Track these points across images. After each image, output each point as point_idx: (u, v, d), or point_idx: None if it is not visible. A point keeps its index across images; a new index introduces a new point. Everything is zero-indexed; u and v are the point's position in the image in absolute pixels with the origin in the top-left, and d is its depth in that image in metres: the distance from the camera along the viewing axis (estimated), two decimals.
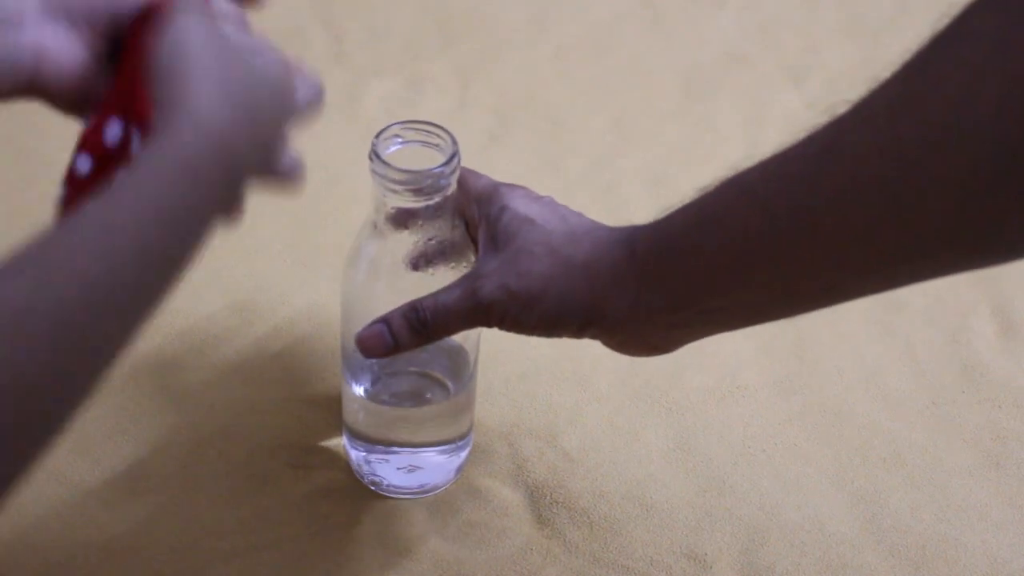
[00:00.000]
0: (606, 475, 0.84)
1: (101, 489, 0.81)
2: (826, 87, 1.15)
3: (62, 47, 0.61)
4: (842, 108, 0.60)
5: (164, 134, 0.56)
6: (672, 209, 0.68)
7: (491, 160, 1.06)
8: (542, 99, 1.12)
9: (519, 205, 0.72)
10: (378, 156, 0.72)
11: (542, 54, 1.17)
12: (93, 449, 0.83)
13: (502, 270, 0.70)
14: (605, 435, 0.87)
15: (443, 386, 0.81)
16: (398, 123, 0.74)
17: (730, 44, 1.19)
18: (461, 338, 0.79)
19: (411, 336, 0.72)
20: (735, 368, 0.92)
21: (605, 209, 1.03)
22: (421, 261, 0.75)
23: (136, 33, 0.62)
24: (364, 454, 0.81)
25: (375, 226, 0.75)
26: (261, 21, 1.21)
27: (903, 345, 0.94)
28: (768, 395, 0.90)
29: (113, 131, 0.61)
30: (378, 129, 0.74)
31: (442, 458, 0.82)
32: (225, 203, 0.58)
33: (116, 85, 0.62)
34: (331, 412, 0.86)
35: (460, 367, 0.80)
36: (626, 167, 1.07)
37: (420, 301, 0.71)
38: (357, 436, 0.81)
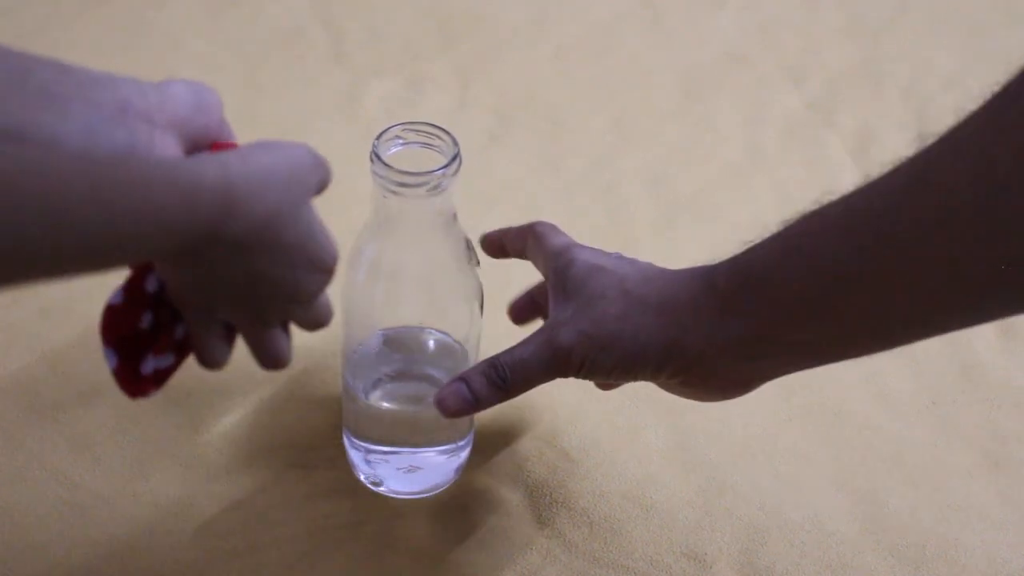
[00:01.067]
0: (606, 475, 0.84)
1: (101, 489, 0.81)
2: (826, 87, 1.15)
3: (168, 148, 0.63)
4: (930, 140, 0.60)
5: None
6: (751, 243, 0.67)
7: (491, 160, 1.06)
8: (542, 99, 1.12)
9: (587, 256, 0.72)
10: (379, 158, 0.72)
11: (542, 54, 1.17)
12: (93, 449, 0.83)
13: (577, 317, 0.70)
14: (605, 435, 0.87)
15: None
16: (399, 124, 0.74)
17: (730, 44, 1.19)
18: (462, 339, 0.79)
19: (492, 392, 0.71)
20: None
21: (605, 209, 1.03)
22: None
23: None
24: (364, 454, 0.82)
25: (375, 227, 0.75)
26: (262, 21, 1.22)
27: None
28: (768, 395, 0.90)
29: (152, 282, 0.64)
30: (378, 129, 0.74)
31: (442, 458, 0.82)
32: (209, 240, 0.58)
33: None
34: (331, 412, 0.86)
35: (461, 371, 0.80)
36: (626, 167, 1.07)
37: (498, 358, 0.71)
38: (357, 436, 0.81)
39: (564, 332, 0.69)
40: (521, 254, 0.78)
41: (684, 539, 0.81)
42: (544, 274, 0.75)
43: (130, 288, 0.64)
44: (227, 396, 0.87)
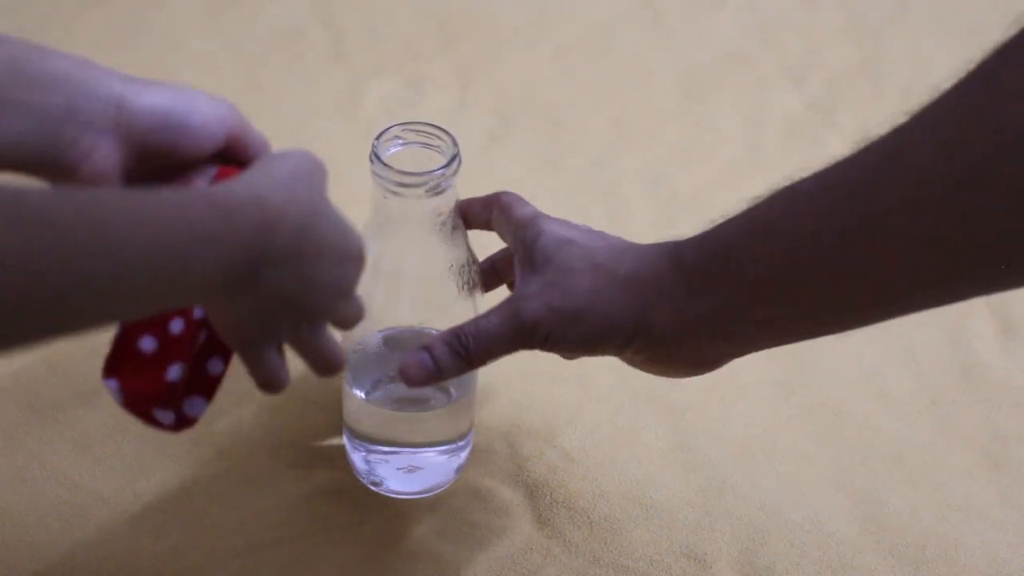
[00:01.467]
0: (606, 475, 0.84)
1: (101, 489, 0.81)
2: (826, 87, 1.15)
3: (107, 158, 0.65)
4: (902, 118, 0.59)
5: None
6: (720, 220, 0.67)
7: (491, 160, 1.06)
8: (542, 99, 1.12)
9: (556, 228, 0.72)
10: (378, 158, 0.72)
11: (542, 54, 1.17)
12: (93, 449, 0.83)
13: (544, 290, 0.69)
14: (605, 435, 0.87)
15: (444, 390, 0.80)
16: (398, 124, 0.74)
17: (730, 44, 1.19)
18: None
19: (454, 362, 0.71)
20: (735, 368, 0.91)
21: (605, 209, 1.03)
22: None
23: None
24: (364, 454, 0.82)
25: (375, 227, 0.75)
26: (262, 21, 1.21)
27: (903, 345, 0.94)
28: (768, 395, 0.90)
29: (176, 325, 0.65)
30: (378, 129, 0.74)
31: (442, 458, 0.82)
32: (249, 270, 0.58)
33: None
34: (331, 412, 0.86)
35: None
36: (626, 167, 1.07)
37: (462, 327, 0.71)
38: (357, 437, 0.81)
39: (531, 304, 0.69)
40: (486, 225, 0.76)
41: (684, 539, 0.81)
42: (510, 244, 0.74)
43: (155, 331, 0.65)
44: (227, 396, 0.87)
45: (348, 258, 0.64)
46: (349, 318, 0.67)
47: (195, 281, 0.55)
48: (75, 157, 0.64)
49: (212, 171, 0.69)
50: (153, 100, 0.65)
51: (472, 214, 0.77)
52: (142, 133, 0.65)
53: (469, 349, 0.70)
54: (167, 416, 0.66)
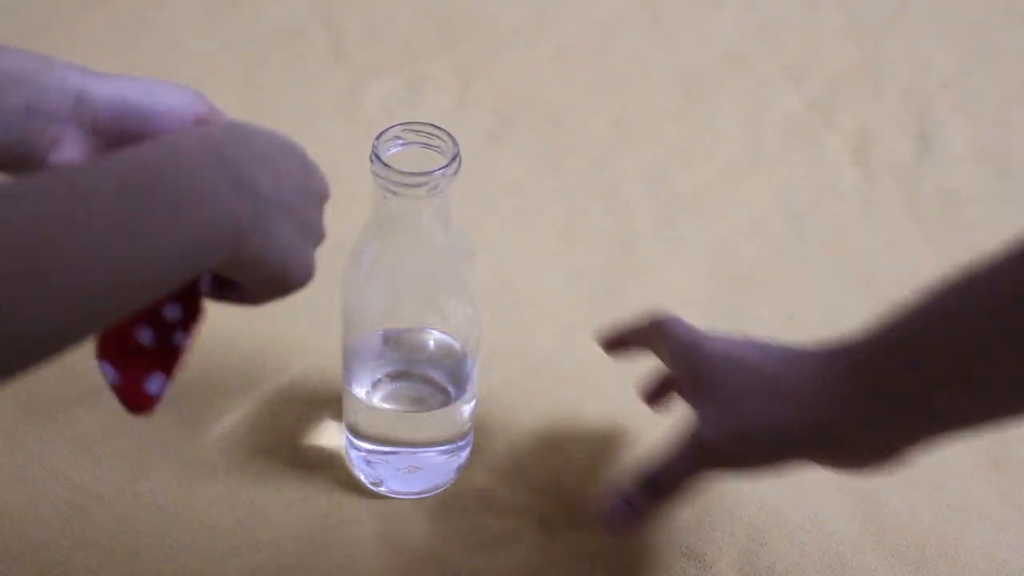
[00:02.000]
0: (606, 475, 0.84)
1: (101, 489, 0.81)
2: (826, 87, 1.15)
3: (74, 148, 0.66)
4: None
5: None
6: (887, 319, 0.67)
7: (491, 160, 1.06)
8: (542, 99, 1.12)
9: (719, 349, 0.73)
10: (379, 158, 0.72)
11: (542, 54, 1.17)
12: (93, 449, 0.83)
13: (720, 416, 0.71)
14: (605, 435, 0.87)
15: (444, 391, 0.81)
16: (399, 124, 0.74)
17: (730, 44, 1.19)
18: (462, 339, 0.79)
19: (649, 501, 0.73)
20: None
21: (605, 209, 1.03)
22: None
23: None
24: (364, 455, 0.82)
25: (375, 227, 0.75)
26: (262, 21, 1.22)
27: None
28: None
29: (172, 312, 0.66)
30: (378, 129, 0.74)
31: (442, 458, 0.82)
32: (232, 186, 0.58)
33: None
34: (331, 412, 0.86)
35: (461, 371, 0.80)
36: (626, 167, 1.07)
37: (651, 467, 0.73)
38: (357, 436, 0.81)
39: (708, 433, 0.71)
40: (645, 348, 0.80)
41: (684, 539, 0.81)
42: (673, 368, 0.77)
43: (151, 320, 0.65)
44: (227, 396, 0.87)
45: (291, 151, 0.66)
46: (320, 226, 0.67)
47: (193, 256, 0.57)
48: (42, 150, 0.65)
49: None
50: (115, 90, 0.66)
51: (629, 338, 0.80)
52: (106, 122, 0.66)
53: (662, 488, 0.73)
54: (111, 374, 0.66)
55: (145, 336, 0.65)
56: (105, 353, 0.65)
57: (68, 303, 0.51)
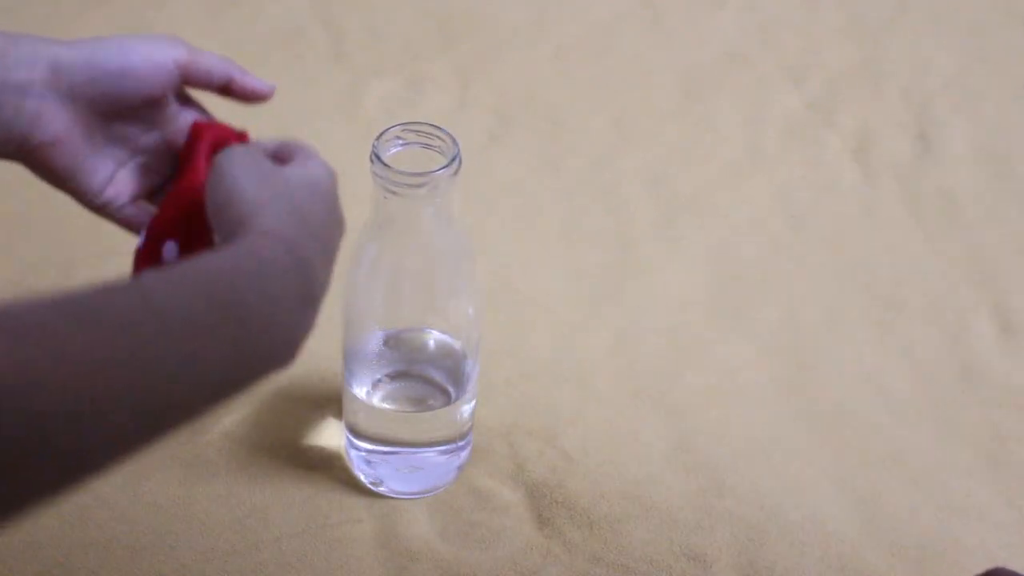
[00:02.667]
0: (606, 475, 0.84)
1: (101, 489, 0.81)
2: (826, 87, 1.15)
3: (57, 119, 0.66)
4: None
5: (232, 244, 0.58)
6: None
7: (491, 160, 1.06)
8: (542, 99, 1.12)
9: None
10: (379, 158, 0.72)
11: (542, 54, 1.17)
12: None
13: None
14: (605, 435, 0.87)
15: (444, 391, 0.81)
16: (399, 125, 0.74)
17: (730, 44, 1.19)
18: (462, 339, 0.79)
19: None
20: (735, 368, 0.92)
21: (605, 209, 1.03)
22: None
23: (189, 155, 0.69)
24: (364, 455, 0.82)
25: (375, 227, 0.75)
26: (262, 21, 1.22)
27: (903, 345, 0.94)
28: (768, 395, 0.90)
29: (170, 251, 0.66)
30: (378, 129, 0.74)
31: (442, 458, 0.82)
32: (304, 295, 0.58)
33: (170, 208, 0.67)
34: (331, 412, 0.86)
35: (461, 371, 0.80)
36: (626, 167, 1.07)
37: None
38: (357, 436, 0.81)
39: None
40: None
41: (684, 539, 0.81)
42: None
43: (150, 233, 0.66)
44: None
45: (332, 209, 0.65)
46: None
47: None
48: (24, 125, 0.65)
49: (188, 118, 0.70)
50: (87, 53, 0.66)
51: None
52: (84, 85, 0.65)
53: None
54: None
55: (169, 251, 0.66)
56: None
57: (123, 427, 0.50)
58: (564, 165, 1.07)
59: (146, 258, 0.67)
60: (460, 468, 0.83)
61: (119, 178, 0.69)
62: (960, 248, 1.02)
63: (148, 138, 0.70)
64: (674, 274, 0.98)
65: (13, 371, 0.45)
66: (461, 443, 0.82)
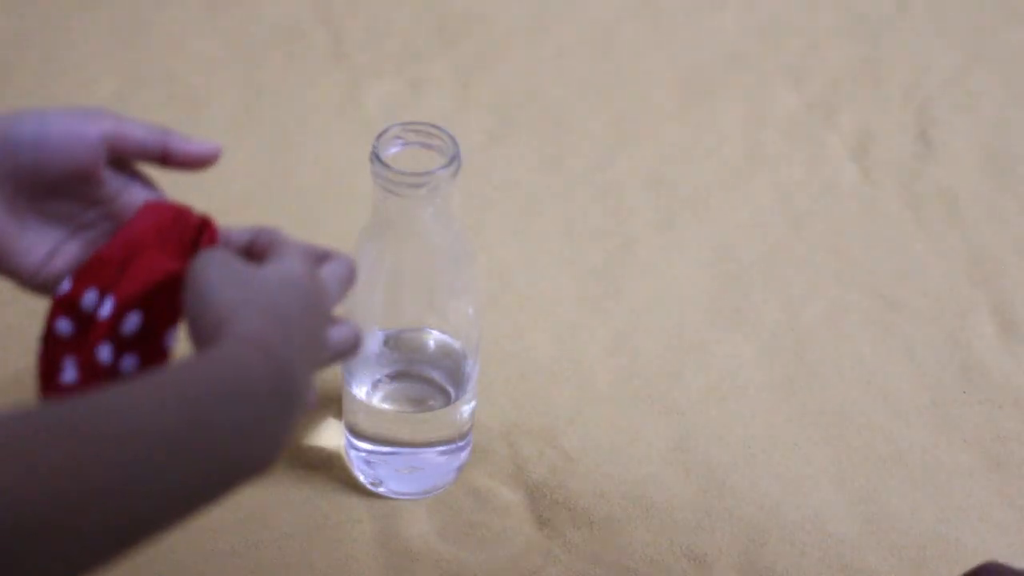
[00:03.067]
0: (606, 475, 0.84)
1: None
2: (826, 87, 1.15)
3: None
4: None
5: (210, 350, 0.56)
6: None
7: (491, 160, 1.06)
8: (542, 99, 1.12)
9: None
10: (379, 158, 0.72)
11: (542, 54, 1.17)
12: None
13: None
14: (605, 435, 0.87)
15: (444, 391, 0.81)
16: (398, 125, 0.74)
17: (730, 44, 1.19)
18: (462, 339, 0.79)
19: None
20: (735, 368, 0.92)
21: (605, 209, 1.03)
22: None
23: (137, 230, 0.65)
24: (364, 455, 0.82)
25: (375, 227, 0.75)
26: (262, 21, 1.21)
27: (903, 345, 0.94)
28: (768, 395, 0.90)
29: (89, 297, 0.63)
30: (378, 129, 0.74)
31: (442, 459, 0.82)
32: (283, 405, 0.57)
33: (98, 260, 0.64)
34: (331, 412, 0.86)
35: (461, 371, 0.80)
36: (626, 167, 1.07)
37: None
38: (357, 437, 0.81)
39: None
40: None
41: (684, 539, 0.81)
42: None
43: (69, 311, 0.63)
44: None
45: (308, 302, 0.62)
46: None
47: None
48: None
49: (136, 195, 0.67)
50: (1, 126, 0.63)
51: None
52: (1, 162, 0.62)
53: None
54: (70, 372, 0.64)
55: (63, 327, 0.64)
56: (55, 394, 0.63)
57: (93, 542, 0.49)
58: (564, 165, 1.06)
59: (65, 304, 0.64)
60: (460, 468, 0.83)
61: (60, 256, 0.66)
62: (960, 248, 1.02)
63: (90, 215, 0.66)
64: (674, 274, 0.98)
65: None
66: (461, 443, 0.82)
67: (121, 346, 0.63)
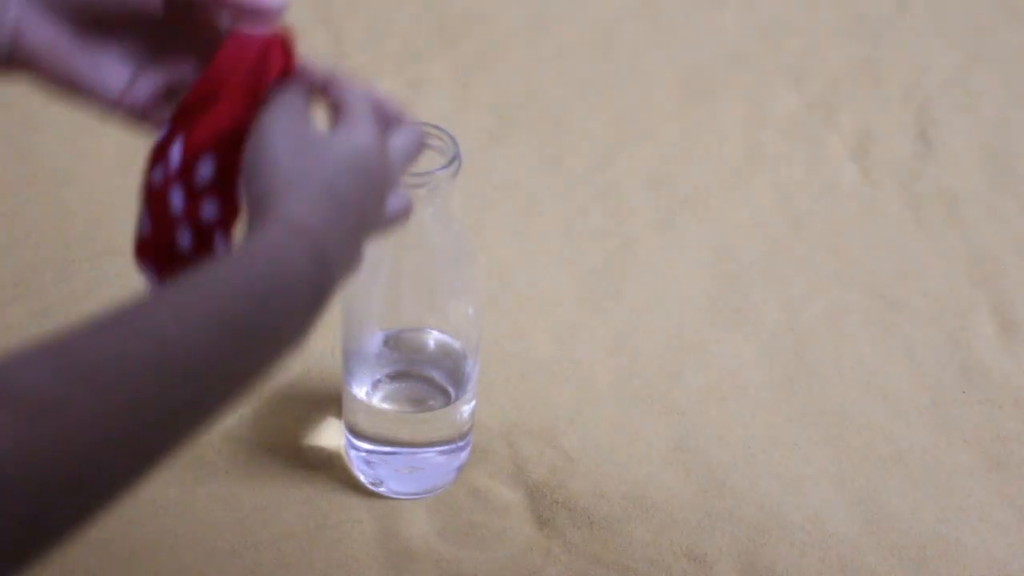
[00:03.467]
0: (606, 475, 0.84)
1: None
2: (826, 87, 1.15)
3: (40, 26, 0.63)
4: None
5: (255, 235, 0.57)
6: None
7: (491, 160, 1.06)
8: (542, 99, 1.12)
9: None
10: None
11: (542, 54, 1.17)
12: None
13: None
14: (605, 435, 0.87)
15: (444, 391, 0.81)
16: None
17: (730, 44, 1.19)
18: (462, 339, 0.79)
19: None
20: (735, 368, 0.92)
21: (605, 209, 1.03)
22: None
23: (226, 63, 0.63)
24: (364, 455, 0.82)
25: None
26: None
27: (903, 345, 0.94)
28: (768, 395, 0.90)
29: (206, 168, 0.63)
30: None
31: (442, 459, 0.82)
32: (320, 293, 0.57)
33: (181, 106, 0.63)
34: (331, 412, 0.86)
35: (461, 371, 0.80)
36: (626, 167, 1.07)
37: None
38: (357, 436, 0.81)
39: None
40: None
41: (684, 539, 0.81)
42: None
43: (155, 212, 0.63)
44: None
45: (370, 180, 0.62)
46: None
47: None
48: (6, 36, 0.62)
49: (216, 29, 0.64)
50: None
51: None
52: None
53: None
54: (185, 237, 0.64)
55: (184, 239, 0.63)
56: (144, 253, 0.63)
57: (128, 471, 0.52)
58: (564, 165, 1.06)
59: (156, 153, 0.63)
60: (460, 468, 0.83)
61: (141, 85, 0.65)
62: (960, 248, 1.02)
63: (167, 44, 0.65)
64: (674, 274, 0.98)
65: (14, 448, 0.45)
66: (461, 443, 0.82)
67: (197, 194, 0.62)
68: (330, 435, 0.85)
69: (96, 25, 0.64)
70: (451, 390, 0.80)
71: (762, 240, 1.01)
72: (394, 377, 0.81)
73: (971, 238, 1.02)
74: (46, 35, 0.63)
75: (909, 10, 1.24)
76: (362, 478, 0.82)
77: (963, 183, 1.07)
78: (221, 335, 0.52)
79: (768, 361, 0.92)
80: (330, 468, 0.83)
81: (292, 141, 0.60)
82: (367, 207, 0.61)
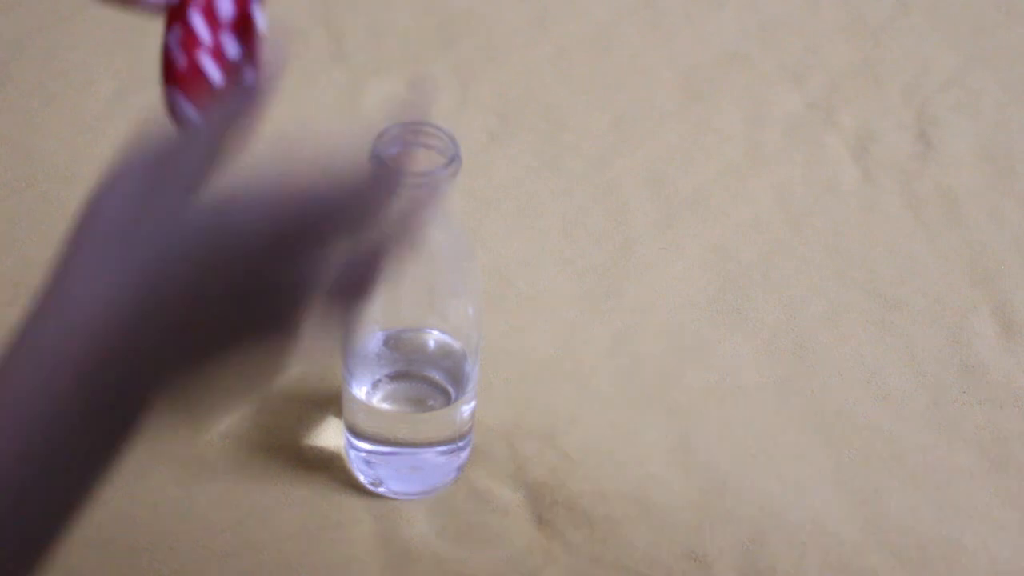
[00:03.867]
0: (606, 475, 0.84)
1: (101, 489, 0.81)
2: (826, 87, 1.15)
3: None
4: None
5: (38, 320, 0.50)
6: None
7: (491, 160, 1.06)
8: (542, 99, 1.12)
9: None
10: (378, 158, 0.72)
11: (542, 54, 1.17)
12: None
13: None
14: (605, 435, 0.87)
15: (444, 391, 0.81)
16: (398, 125, 0.74)
17: (730, 44, 1.19)
18: (462, 339, 0.79)
19: None
20: (735, 368, 0.92)
21: (605, 209, 1.03)
22: None
23: None
24: (364, 455, 0.82)
25: None
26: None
27: (903, 345, 0.94)
28: (768, 395, 0.90)
29: (232, 47, 0.63)
30: (378, 129, 0.74)
31: (442, 459, 0.82)
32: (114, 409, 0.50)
33: None
34: (331, 412, 0.86)
35: (461, 371, 0.80)
36: (626, 167, 1.07)
37: None
38: (357, 436, 0.81)
39: None
40: None
41: (684, 539, 0.81)
42: None
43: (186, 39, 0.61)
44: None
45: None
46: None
47: None
48: None
49: None
50: None
51: None
52: None
53: None
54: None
55: (214, 74, 0.62)
56: (171, 79, 0.61)
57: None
58: (564, 165, 1.06)
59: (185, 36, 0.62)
60: (460, 468, 0.83)
61: None
62: (960, 248, 1.02)
63: None
64: (674, 274, 0.98)
65: None
66: (461, 443, 0.82)
67: (219, 26, 0.62)
68: (330, 435, 0.85)
69: None
70: (451, 390, 0.80)
71: (762, 240, 1.01)
72: (394, 377, 0.81)
73: (971, 238, 1.02)
74: None
75: (909, 10, 1.24)
76: (362, 478, 0.82)
77: (963, 183, 1.07)
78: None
79: (768, 361, 0.92)
80: (330, 468, 0.83)
81: (131, 210, 0.50)
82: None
